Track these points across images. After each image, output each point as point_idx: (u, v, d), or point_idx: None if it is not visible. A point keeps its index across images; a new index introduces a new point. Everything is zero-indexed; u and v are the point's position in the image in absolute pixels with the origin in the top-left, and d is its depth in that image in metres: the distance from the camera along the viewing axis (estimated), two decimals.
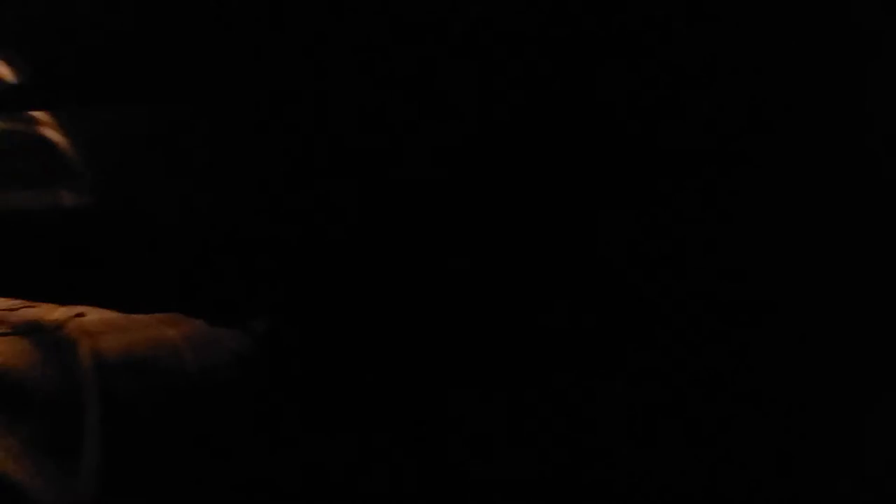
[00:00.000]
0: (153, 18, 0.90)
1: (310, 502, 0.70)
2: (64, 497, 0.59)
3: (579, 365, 0.77)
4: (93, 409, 0.61)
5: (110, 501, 0.61)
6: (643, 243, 0.78)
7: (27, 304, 0.65)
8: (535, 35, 0.77)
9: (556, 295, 0.78)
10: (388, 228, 0.80)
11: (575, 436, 0.76)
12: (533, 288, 0.79)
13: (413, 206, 0.80)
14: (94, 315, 0.66)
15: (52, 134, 0.95)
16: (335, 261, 0.81)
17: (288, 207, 0.84)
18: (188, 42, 0.90)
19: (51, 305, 0.66)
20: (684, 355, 0.76)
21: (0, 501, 0.57)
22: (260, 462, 0.67)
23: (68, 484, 0.60)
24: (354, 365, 0.78)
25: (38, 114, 0.95)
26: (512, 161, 0.81)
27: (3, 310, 0.63)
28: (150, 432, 0.63)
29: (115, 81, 0.93)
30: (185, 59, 0.90)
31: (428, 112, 0.81)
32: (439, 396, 0.76)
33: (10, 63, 0.92)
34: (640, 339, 0.77)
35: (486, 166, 0.81)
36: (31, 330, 0.62)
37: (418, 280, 0.79)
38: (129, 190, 0.96)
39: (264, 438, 0.68)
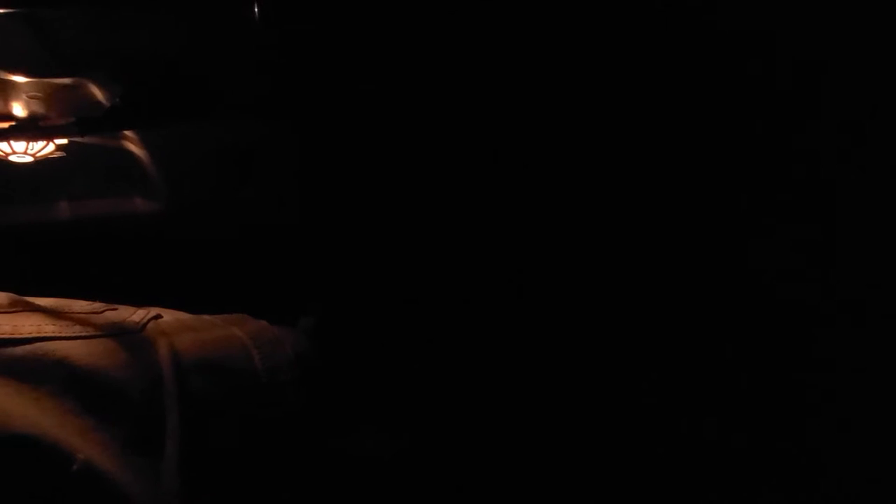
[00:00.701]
0: (225, 48, 0.95)
1: (362, 498, 0.71)
2: (149, 489, 0.62)
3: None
4: (172, 407, 0.64)
5: (191, 494, 0.63)
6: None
7: (109, 306, 0.69)
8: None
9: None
10: (441, 232, 0.81)
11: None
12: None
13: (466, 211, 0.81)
14: (168, 316, 0.70)
15: (135, 148, 1.01)
16: (381, 262, 0.82)
17: (338, 211, 0.86)
18: (254, 66, 0.95)
19: (129, 307, 0.69)
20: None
21: (94, 491, 0.60)
22: (319, 459, 0.69)
23: (153, 477, 0.63)
24: (397, 363, 0.78)
25: (126, 132, 1.02)
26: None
27: (88, 312, 0.67)
28: (223, 429, 0.65)
29: (192, 101, 0.99)
30: (251, 81, 0.95)
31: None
32: (483, 395, 0.76)
33: (103, 87, 0.99)
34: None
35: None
36: (115, 332, 0.65)
37: (464, 281, 0.79)
38: (196, 196, 1.02)
39: (323, 436, 0.69)
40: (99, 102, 1.00)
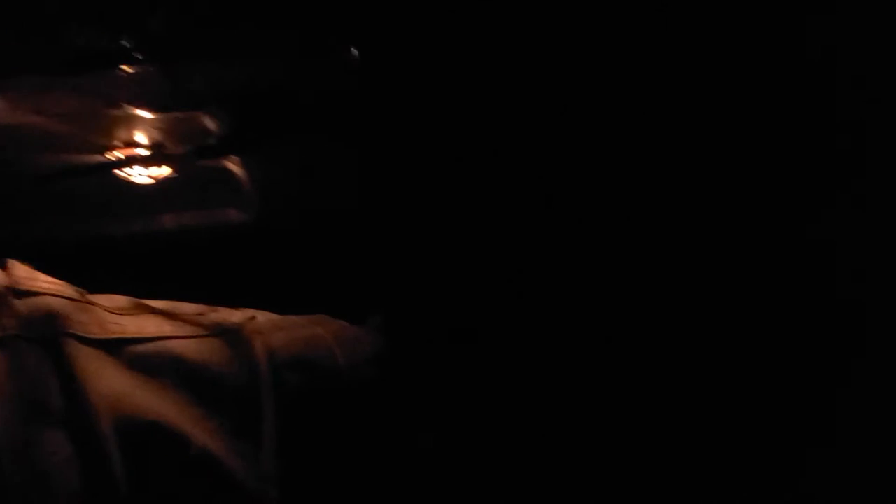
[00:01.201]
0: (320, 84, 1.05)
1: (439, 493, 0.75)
2: (252, 473, 0.70)
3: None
4: (269, 400, 0.71)
5: (286, 478, 0.70)
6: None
7: (212, 308, 0.77)
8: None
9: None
10: (511, 230, 0.85)
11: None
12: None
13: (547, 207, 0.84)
14: (261, 317, 0.77)
15: (235, 168, 1.13)
16: (452, 261, 0.87)
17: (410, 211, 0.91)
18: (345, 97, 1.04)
19: (228, 309, 0.77)
20: None
21: (208, 473, 0.68)
22: (398, 453, 0.73)
23: (254, 462, 0.70)
24: (470, 360, 0.82)
25: (231, 155, 1.14)
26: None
27: (196, 314, 0.76)
28: (311, 421, 0.72)
29: (287, 127, 1.10)
30: (340, 110, 1.04)
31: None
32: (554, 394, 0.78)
33: (214, 117, 1.12)
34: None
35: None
36: (220, 331, 0.73)
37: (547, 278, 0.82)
38: (285, 208, 1.12)
39: (402, 431, 0.74)
40: (211, 132, 1.13)
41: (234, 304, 0.78)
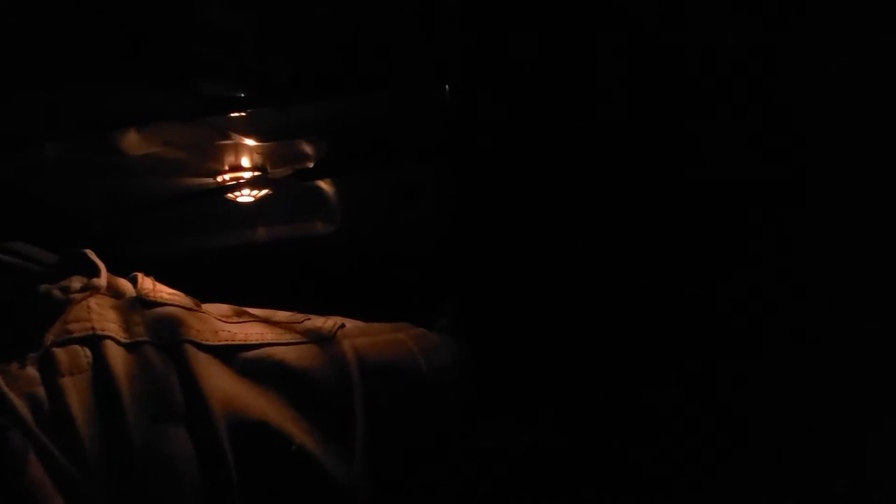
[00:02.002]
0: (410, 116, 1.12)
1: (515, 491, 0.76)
2: (345, 472, 0.74)
3: None
4: (359, 403, 0.76)
5: (376, 480, 0.75)
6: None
7: (305, 316, 0.81)
8: None
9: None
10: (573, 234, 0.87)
11: None
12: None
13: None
14: (348, 324, 0.81)
15: (326, 186, 1.22)
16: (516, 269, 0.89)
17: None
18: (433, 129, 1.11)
19: (319, 317, 0.81)
20: None
21: (306, 470, 0.72)
22: (477, 455, 0.76)
23: (347, 462, 0.74)
24: (534, 362, 0.84)
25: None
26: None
27: (291, 322, 0.81)
28: (398, 423, 0.76)
29: (377, 154, 1.18)
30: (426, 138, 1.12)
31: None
32: (619, 392, 0.78)
33: (313, 143, 1.21)
34: None
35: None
36: (314, 338, 0.78)
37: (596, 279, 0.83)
38: (368, 222, 1.19)
39: (481, 433, 0.77)
40: (309, 156, 1.22)
41: (323, 312, 0.83)
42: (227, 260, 1.29)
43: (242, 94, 1.06)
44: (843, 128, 0.72)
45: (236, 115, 1.09)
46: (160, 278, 0.80)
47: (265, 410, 0.73)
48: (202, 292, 0.81)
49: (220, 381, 0.73)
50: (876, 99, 0.70)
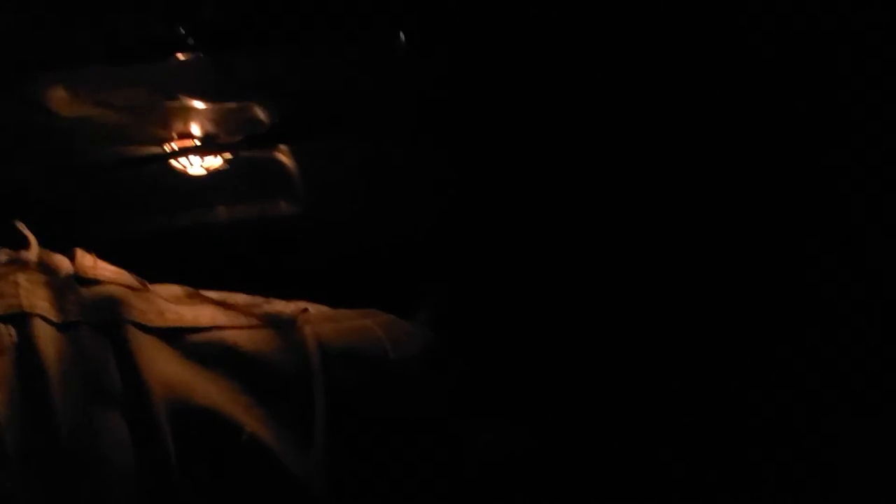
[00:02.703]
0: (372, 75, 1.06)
1: (489, 485, 0.75)
2: (301, 461, 0.71)
3: None
4: (320, 390, 0.73)
5: (335, 468, 0.72)
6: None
7: (265, 300, 0.78)
8: None
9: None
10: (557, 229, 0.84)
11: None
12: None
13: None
14: (312, 309, 0.78)
15: (286, 160, 1.15)
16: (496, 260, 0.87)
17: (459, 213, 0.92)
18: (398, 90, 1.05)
19: (282, 301, 0.78)
20: None
21: (258, 459, 0.69)
22: (447, 447, 0.74)
23: (304, 451, 0.71)
24: (515, 355, 0.82)
25: (280, 146, 1.16)
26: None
27: (249, 305, 0.77)
28: (361, 413, 0.73)
29: (338, 120, 1.12)
30: (393, 104, 1.05)
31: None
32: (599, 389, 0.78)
33: (264, 107, 1.13)
34: None
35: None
36: (273, 322, 0.75)
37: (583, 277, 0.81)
38: (333, 202, 1.14)
39: (452, 426, 0.74)
40: (262, 122, 1.14)
41: (287, 296, 0.79)
42: (187, 240, 1.21)
43: (174, 35, 0.97)
44: None
45: (173, 64, 1.00)
46: (110, 258, 0.74)
47: (213, 397, 0.70)
48: (157, 273, 0.75)
49: (163, 365, 0.70)
50: None
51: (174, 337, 0.72)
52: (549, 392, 0.80)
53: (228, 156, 1.14)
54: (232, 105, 1.08)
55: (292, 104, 1.11)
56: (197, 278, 0.78)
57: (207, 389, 0.70)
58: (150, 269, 0.75)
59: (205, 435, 0.68)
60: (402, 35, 0.96)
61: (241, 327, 0.74)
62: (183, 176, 1.13)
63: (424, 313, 0.84)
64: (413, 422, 0.74)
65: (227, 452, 0.69)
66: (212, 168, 1.13)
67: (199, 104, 1.06)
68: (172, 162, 1.11)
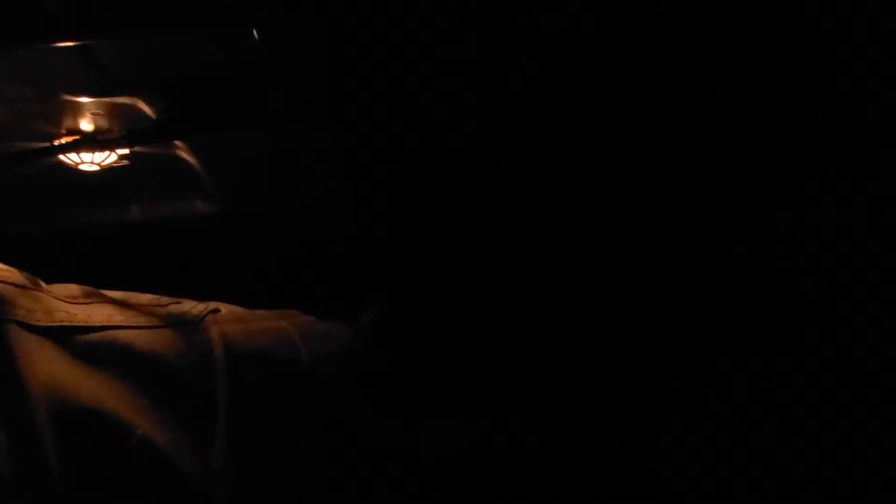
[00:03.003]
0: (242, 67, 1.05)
1: (411, 488, 0.76)
2: (201, 466, 0.69)
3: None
4: (224, 393, 0.71)
5: (238, 473, 0.71)
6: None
7: (174, 300, 0.75)
8: None
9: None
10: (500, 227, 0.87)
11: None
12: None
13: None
14: (224, 309, 0.76)
15: (186, 156, 1.12)
16: (443, 259, 0.88)
17: (395, 209, 0.93)
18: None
19: (191, 301, 0.76)
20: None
21: (150, 464, 0.67)
22: (362, 450, 0.75)
23: (204, 455, 0.70)
24: (459, 356, 0.84)
25: (174, 141, 1.12)
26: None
27: (155, 305, 0.74)
28: (271, 416, 0.72)
29: (233, 111, 1.10)
30: (262, 94, 1.05)
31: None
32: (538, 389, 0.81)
33: (150, 104, 1.09)
34: None
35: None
36: (176, 322, 0.72)
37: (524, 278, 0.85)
38: (251, 198, 1.12)
39: (368, 427, 0.76)
40: (149, 117, 1.10)
41: (202, 297, 0.77)
42: (98, 239, 1.13)
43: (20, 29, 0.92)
44: None
45: (49, 60, 0.95)
46: (8, 256, 0.69)
47: (102, 398, 0.67)
48: (63, 274, 0.71)
49: (47, 365, 0.66)
50: None
51: (63, 336, 0.68)
52: (496, 390, 0.83)
53: (125, 151, 1.09)
54: (117, 100, 1.04)
55: (178, 98, 1.08)
56: (105, 278, 0.75)
57: (96, 391, 0.67)
58: (54, 269, 0.71)
59: (91, 439, 0.65)
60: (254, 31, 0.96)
61: (139, 327, 0.71)
62: (77, 172, 1.06)
63: (368, 316, 0.85)
64: (325, 425, 0.74)
65: (116, 457, 0.66)
66: (105, 164, 1.08)
67: (82, 99, 1.02)
68: (64, 158, 1.04)
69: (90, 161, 1.07)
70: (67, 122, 1.05)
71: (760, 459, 0.78)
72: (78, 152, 1.06)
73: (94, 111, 1.05)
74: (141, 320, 0.72)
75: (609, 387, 0.81)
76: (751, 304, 0.82)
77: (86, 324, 0.69)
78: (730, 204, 0.84)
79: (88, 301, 0.72)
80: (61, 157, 1.05)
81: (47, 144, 1.05)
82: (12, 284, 0.68)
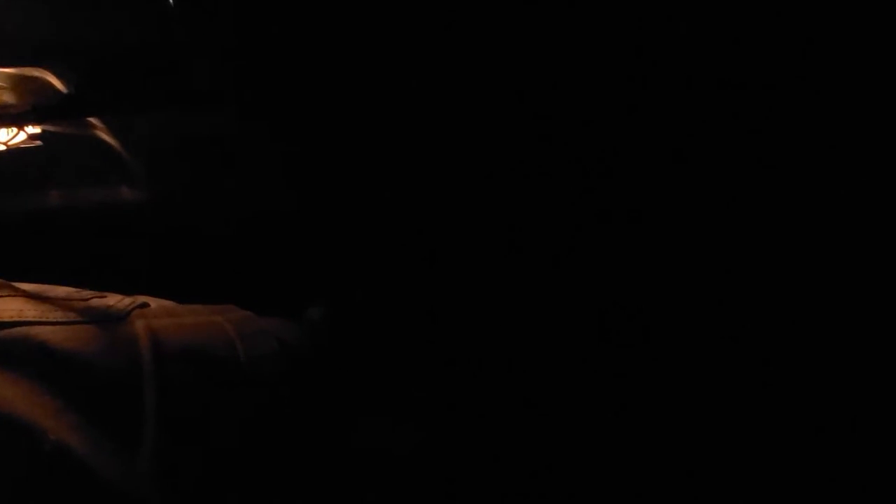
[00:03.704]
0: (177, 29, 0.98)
1: (352, 494, 0.74)
2: (124, 472, 0.65)
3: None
4: (150, 393, 0.67)
5: (166, 479, 0.67)
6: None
7: (97, 294, 0.70)
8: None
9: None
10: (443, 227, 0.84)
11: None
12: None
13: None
14: (153, 304, 0.72)
15: (107, 137, 1.03)
16: (391, 254, 0.85)
17: (339, 202, 0.88)
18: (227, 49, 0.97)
19: (117, 295, 0.71)
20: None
21: (65, 471, 0.62)
22: (304, 452, 0.72)
23: (128, 460, 0.65)
24: (403, 354, 0.82)
25: (90, 119, 1.03)
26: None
27: (76, 299, 0.69)
28: (203, 417, 0.68)
29: (156, 89, 1.01)
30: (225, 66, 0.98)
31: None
32: (486, 393, 0.80)
33: (60, 76, 1.00)
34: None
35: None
36: (98, 318, 0.67)
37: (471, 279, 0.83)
38: (180, 185, 1.03)
39: (310, 430, 0.73)
40: (59, 91, 1.01)
41: (129, 292, 0.72)
42: (9, 228, 1.02)
43: None
44: None
45: None
46: None
47: (11, 401, 0.62)
48: None
49: None
50: None
51: None
52: (439, 392, 0.81)
53: (36, 131, 0.99)
54: (22, 71, 0.94)
55: (91, 71, 0.99)
56: (18, 271, 0.68)
57: (4, 393, 0.62)
58: None
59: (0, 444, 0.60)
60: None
61: (55, 322, 0.66)
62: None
63: (313, 311, 0.81)
64: (263, 428, 0.71)
65: (27, 464, 0.61)
66: (13, 144, 0.98)
67: None
68: None
69: None
70: None
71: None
72: None
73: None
74: (58, 315, 0.66)
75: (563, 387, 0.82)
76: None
77: None
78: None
79: None
80: None
81: None
82: None
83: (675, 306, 0.82)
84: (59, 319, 0.66)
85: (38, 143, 1.02)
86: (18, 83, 0.97)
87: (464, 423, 0.79)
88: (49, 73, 0.99)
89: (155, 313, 0.71)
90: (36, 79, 0.98)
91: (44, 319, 0.66)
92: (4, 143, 0.99)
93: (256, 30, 0.93)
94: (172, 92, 1.00)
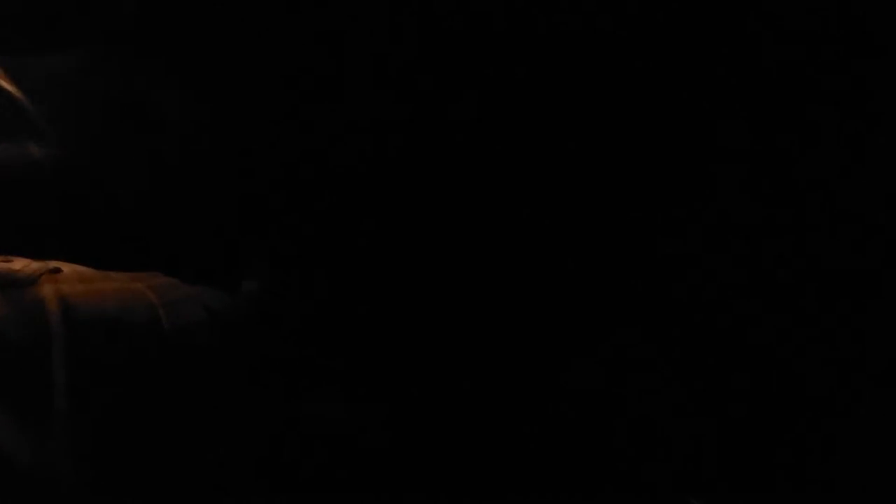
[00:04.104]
0: None
1: (290, 473, 0.70)
2: (35, 448, 0.60)
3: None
4: (61, 363, 0.62)
5: (82, 453, 0.62)
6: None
7: (2, 258, 0.65)
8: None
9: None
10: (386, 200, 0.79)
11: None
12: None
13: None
14: (67, 269, 0.66)
15: (7, 85, 0.92)
16: (330, 223, 0.79)
17: (276, 168, 0.82)
18: None
19: (25, 260, 0.65)
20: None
21: None
22: (235, 431, 0.68)
23: (40, 435, 0.60)
24: (345, 327, 0.77)
25: None
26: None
27: None
28: (123, 389, 0.63)
29: (56, 27, 0.91)
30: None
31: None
32: (427, 373, 0.76)
33: None
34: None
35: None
36: (3, 285, 0.62)
37: (414, 256, 0.78)
38: (97, 144, 0.93)
39: (241, 406, 0.68)
40: None
41: (40, 256, 0.65)
42: None
43: None
44: None
45: None
46: None
47: None
48: None
49: None
50: None
51: None
52: (387, 376, 0.76)
53: None
54: None
55: None
56: None
57: None
58: None
59: None
60: None
61: None
62: None
63: (250, 283, 0.75)
64: (188, 403, 0.66)
65: None
66: None
67: None
68: None
69: None
70: None
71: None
72: None
73: None
74: None
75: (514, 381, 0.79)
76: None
77: None
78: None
79: None
80: None
81: None
82: None
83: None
84: None
85: None
86: None
87: (435, 411, 0.75)
88: None
89: (67, 278, 0.65)
90: None
91: None
92: None
93: None
94: (65, 30, 0.89)
